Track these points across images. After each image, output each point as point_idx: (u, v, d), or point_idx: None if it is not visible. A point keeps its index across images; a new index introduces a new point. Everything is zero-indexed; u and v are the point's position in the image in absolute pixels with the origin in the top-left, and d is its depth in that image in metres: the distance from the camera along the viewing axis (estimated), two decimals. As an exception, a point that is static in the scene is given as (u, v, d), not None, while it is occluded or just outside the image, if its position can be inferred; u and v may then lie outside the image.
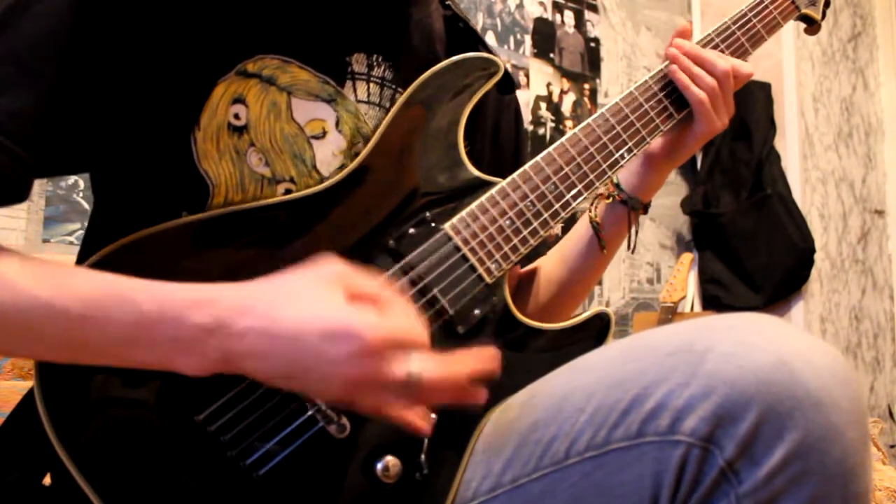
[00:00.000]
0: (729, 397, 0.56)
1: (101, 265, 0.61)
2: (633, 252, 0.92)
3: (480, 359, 0.59)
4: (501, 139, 0.94)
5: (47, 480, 0.69)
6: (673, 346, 0.61)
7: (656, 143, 0.88)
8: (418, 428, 0.58)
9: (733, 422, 0.56)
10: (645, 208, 0.92)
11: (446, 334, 0.71)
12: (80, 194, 1.71)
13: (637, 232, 0.92)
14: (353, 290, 0.57)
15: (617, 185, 0.91)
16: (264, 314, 0.55)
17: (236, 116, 0.70)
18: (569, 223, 0.96)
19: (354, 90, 0.77)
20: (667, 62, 0.87)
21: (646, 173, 0.91)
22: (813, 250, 2.74)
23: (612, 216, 0.92)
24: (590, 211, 0.92)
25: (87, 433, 0.60)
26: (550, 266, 0.96)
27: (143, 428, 0.62)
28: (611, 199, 0.91)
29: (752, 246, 2.79)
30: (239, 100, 0.70)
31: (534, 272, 0.97)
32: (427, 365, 0.56)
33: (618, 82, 2.85)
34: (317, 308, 0.55)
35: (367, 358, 0.54)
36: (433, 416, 0.69)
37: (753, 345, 0.57)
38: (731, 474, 0.56)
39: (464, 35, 0.87)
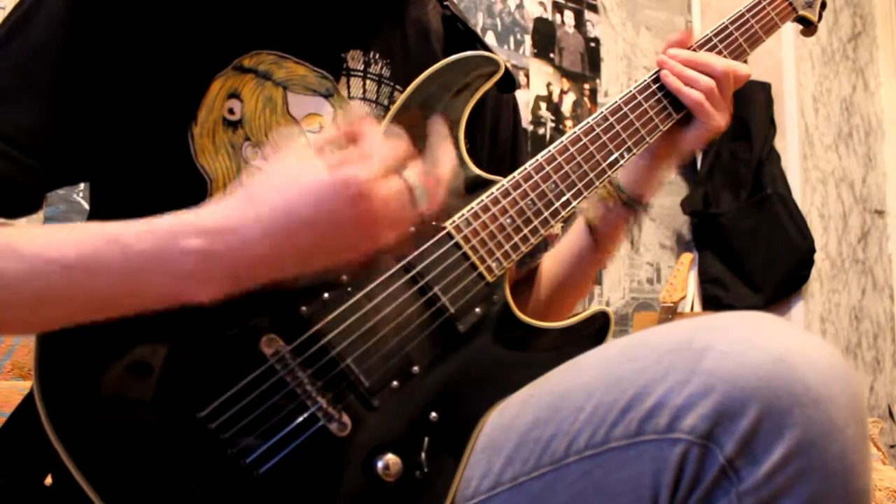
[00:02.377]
0: (728, 395, 0.56)
1: None
2: (636, 251, 0.93)
3: (449, 148, 0.62)
4: (500, 137, 0.94)
5: (49, 481, 0.69)
6: (672, 345, 0.61)
7: (657, 143, 0.87)
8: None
9: (733, 419, 0.56)
10: (645, 208, 0.92)
11: (446, 333, 0.71)
12: (80, 194, 1.71)
13: (640, 230, 0.92)
14: (334, 161, 0.57)
15: (617, 187, 0.91)
16: (251, 217, 0.54)
17: (230, 111, 0.71)
18: (569, 222, 0.96)
19: (349, 86, 0.77)
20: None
21: (647, 174, 0.91)
22: (813, 250, 2.74)
23: (611, 217, 0.92)
24: (587, 212, 0.92)
25: (86, 432, 0.60)
26: (548, 266, 0.96)
27: (142, 426, 0.62)
28: (610, 202, 0.91)
29: (752, 246, 2.79)
30: (234, 95, 0.71)
31: (535, 271, 0.97)
32: (422, 174, 0.57)
33: (618, 82, 2.85)
34: (301, 183, 0.55)
35: (371, 194, 0.54)
36: (434, 414, 0.69)
37: (752, 343, 0.58)
38: (731, 472, 0.56)
39: (462, 34, 0.87)
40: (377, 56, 0.80)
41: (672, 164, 0.91)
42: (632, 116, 0.83)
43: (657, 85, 0.86)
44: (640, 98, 0.85)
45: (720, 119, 0.85)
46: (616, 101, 0.84)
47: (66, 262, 0.53)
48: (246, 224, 0.54)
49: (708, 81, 0.84)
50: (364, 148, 0.57)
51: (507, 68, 0.82)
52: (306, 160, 0.56)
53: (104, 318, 0.56)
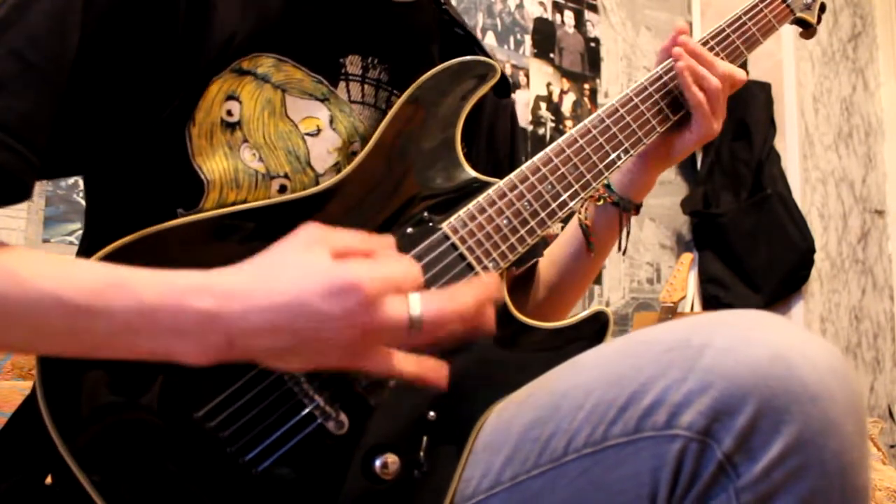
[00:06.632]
0: (726, 391, 0.56)
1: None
2: (623, 254, 0.92)
3: (482, 287, 0.60)
4: (497, 141, 0.94)
5: (49, 481, 0.69)
6: (670, 343, 0.61)
7: (651, 144, 0.88)
8: (434, 377, 0.59)
9: (731, 416, 0.56)
10: (637, 209, 0.92)
11: (444, 332, 0.72)
12: (80, 194, 1.71)
13: (629, 234, 0.92)
14: (338, 248, 0.57)
15: (608, 187, 0.91)
16: (261, 291, 0.55)
17: (229, 113, 0.71)
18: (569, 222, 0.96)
19: (348, 91, 0.78)
20: (664, 64, 0.87)
21: (638, 174, 0.91)
22: (813, 250, 2.74)
23: (604, 218, 0.92)
24: (579, 213, 0.92)
25: (88, 431, 0.61)
26: (544, 267, 0.96)
27: (143, 425, 0.62)
28: (602, 202, 0.92)
29: (752, 246, 2.79)
30: (232, 96, 0.71)
31: (532, 272, 0.97)
32: (427, 303, 0.56)
33: (618, 82, 2.85)
34: (309, 272, 0.55)
35: (370, 307, 0.54)
36: (432, 413, 0.70)
37: (750, 340, 0.58)
38: (729, 468, 0.56)
39: (461, 39, 0.88)
40: (376, 61, 0.80)
41: (663, 167, 0.91)
42: (628, 118, 0.84)
43: (654, 87, 0.86)
44: (636, 100, 0.85)
45: (715, 123, 0.86)
46: (612, 103, 0.84)
47: (70, 302, 0.53)
48: (255, 294, 0.54)
49: (716, 83, 0.84)
50: (378, 257, 0.58)
51: (503, 73, 0.83)
52: (321, 252, 0.57)
53: (87, 357, 0.57)
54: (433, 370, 0.59)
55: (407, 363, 0.58)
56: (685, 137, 0.88)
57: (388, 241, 0.62)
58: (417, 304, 0.56)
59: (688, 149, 0.89)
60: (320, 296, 0.54)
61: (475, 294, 0.59)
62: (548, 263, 0.96)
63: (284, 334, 0.54)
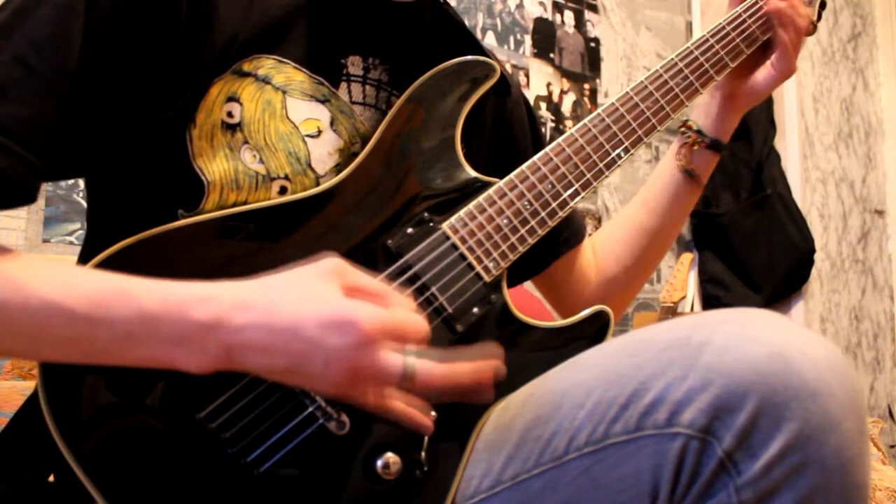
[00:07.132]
0: (726, 389, 0.56)
1: (103, 267, 0.62)
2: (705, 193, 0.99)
3: (483, 356, 0.60)
4: (514, 131, 0.95)
5: (51, 480, 0.69)
6: (670, 341, 0.61)
7: (732, 89, 0.92)
8: (418, 424, 0.59)
9: (731, 413, 0.56)
10: (724, 150, 0.95)
11: (445, 332, 0.72)
12: (80, 194, 1.71)
13: (714, 172, 0.98)
14: (350, 285, 0.57)
15: (699, 132, 0.94)
16: (263, 308, 0.55)
17: (229, 114, 0.71)
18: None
19: (349, 91, 0.78)
20: (667, 60, 0.87)
21: (724, 118, 0.94)
22: (813, 250, 2.74)
23: (700, 161, 0.95)
24: (678, 160, 0.95)
25: (90, 432, 0.60)
26: (640, 219, 0.98)
27: (144, 426, 0.62)
28: (697, 147, 0.94)
29: (752, 246, 2.79)
30: (233, 98, 0.71)
31: (574, 258, 0.97)
32: (425, 360, 0.56)
33: (618, 82, 2.85)
34: (314, 300, 0.55)
35: (365, 348, 0.54)
36: (433, 413, 0.69)
37: (750, 337, 0.58)
38: (729, 465, 0.56)
39: (460, 38, 0.88)
40: (376, 62, 0.81)
41: (747, 107, 0.94)
42: (628, 117, 0.84)
43: (654, 85, 0.86)
44: (636, 98, 0.85)
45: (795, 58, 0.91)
46: (612, 102, 0.84)
47: (72, 310, 0.54)
48: (256, 310, 0.55)
49: (806, 10, 0.90)
50: (386, 302, 0.58)
51: (502, 72, 0.83)
52: (332, 285, 0.57)
53: (88, 363, 0.57)
54: (420, 417, 0.60)
55: (395, 404, 0.59)
56: (763, 77, 0.91)
57: (408, 301, 0.61)
58: (414, 360, 0.56)
59: (768, 87, 0.92)
60: (318, 325, 0.54)
61: (476, 367, 0.59)
62: (645, 211, 0.98)
63: (278, 354, 0.55)
